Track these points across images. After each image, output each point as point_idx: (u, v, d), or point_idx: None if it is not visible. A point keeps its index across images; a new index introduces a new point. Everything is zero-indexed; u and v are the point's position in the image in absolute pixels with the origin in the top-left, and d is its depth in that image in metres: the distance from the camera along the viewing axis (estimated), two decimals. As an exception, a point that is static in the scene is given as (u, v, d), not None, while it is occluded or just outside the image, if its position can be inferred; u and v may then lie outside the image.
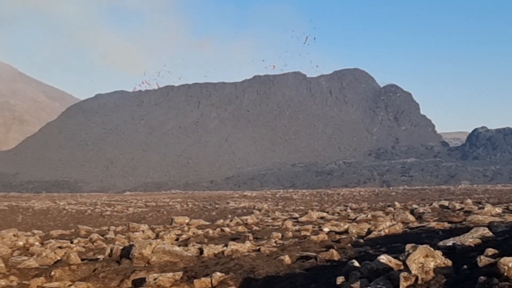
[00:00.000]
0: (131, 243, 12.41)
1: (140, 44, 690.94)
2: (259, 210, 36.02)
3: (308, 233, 14.28)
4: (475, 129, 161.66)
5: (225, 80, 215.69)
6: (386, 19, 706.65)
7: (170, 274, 8.93)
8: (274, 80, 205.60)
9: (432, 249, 6.96)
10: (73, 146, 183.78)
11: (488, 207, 16.21)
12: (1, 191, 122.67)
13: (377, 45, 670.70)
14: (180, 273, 9.08)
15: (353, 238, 12.35)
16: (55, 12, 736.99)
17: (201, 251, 11.06)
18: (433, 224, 13.63)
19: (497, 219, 13.16)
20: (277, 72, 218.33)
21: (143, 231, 18.58)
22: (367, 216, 18.04)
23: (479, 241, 8.46)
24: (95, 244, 15.94)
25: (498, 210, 15.73)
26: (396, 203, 25.81)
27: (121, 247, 11.53)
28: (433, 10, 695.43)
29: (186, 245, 12.18)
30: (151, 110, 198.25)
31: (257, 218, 22.65)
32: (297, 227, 16.29)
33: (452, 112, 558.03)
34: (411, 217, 15.75)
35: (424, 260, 6.71)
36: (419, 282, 6.49)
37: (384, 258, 7.35)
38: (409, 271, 6.60)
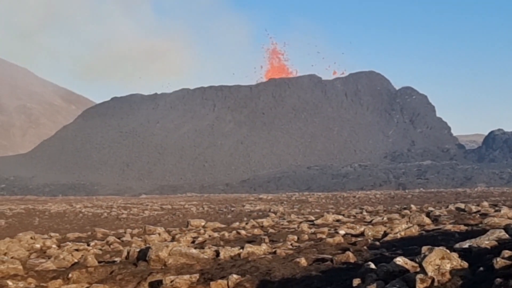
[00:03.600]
0: (148, 245, 12.48)
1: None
2: (275, 213, 36.07)
3: (324, 236, 14.31)
4: (491, 132, 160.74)
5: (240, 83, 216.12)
6: (401, 21, 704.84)
7: (186, 276, 8.98)
8: (289, 82, 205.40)
9: (448, 251, 6.97)
10: (89, 149, 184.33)
11: (504, 210, 16.17)
12: (18, 194, 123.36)
13: (392, 48, 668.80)
14: (197, 275, 9.12)
15: (369, 240, 12.36)
16: (71, 14, 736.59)
17: (217, 253, 11.11)
18: (449, 226, 13.60)
19: (513, 221, 13.11)
20: (292, 75, 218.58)
21: (159, 233, 18.64)
22: (383, 218, 18.02)
23: (496, 243, 8.45)
24: (111, 246, 16.01)
25: (515, 212, 15.66)
26: (412, 205, 25.74)
27: (137, 250, 11.59)
28: (448, 11, 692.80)
29: (203, 248, 12.23)
30: (166, 113, 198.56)
31: (273, 220, 22.65)
32: (313, 230, 16.30)
33: (468, 115, 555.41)
34: (427, 220, 15.71)
35: (440, 262, 6.72)
36: (435, 284, 6.51)
37: (400, 260, 7.36)
38: (425, 273, 6.62)
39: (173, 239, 16.72)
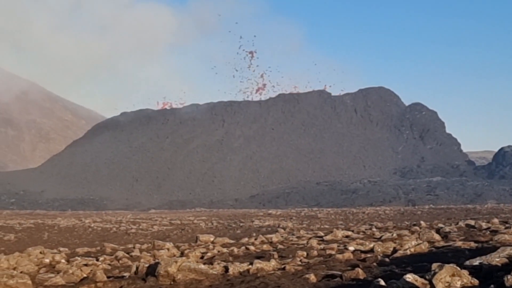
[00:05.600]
0: (157, 260, 12.47)
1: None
2: (284, 228, 35.96)
3: (333, 252, 14.26)
4: (502, 148, 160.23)
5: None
6: (411, 36, 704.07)
7: (195, 292, 8.95)
8: (299, 98, 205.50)
9: (458, 268, 6.94)
10: (98, 164, 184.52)
11: (515, 227, 16.09)
12: (28, 208, 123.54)
13: (402, 63, 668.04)
14: (206, 291, 9.09)
15: (379, 257, 12.31)
16: (80, 30, 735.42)
17: (226, 269, 11.08)
18: (459, 243, 13.55)
19: (524, 238, 13.06)
20: (301, 90, 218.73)
21: (168, 249, 18.63)
22: (392, 235, 17.96)
23: (506, 260, 8.41)
24: (120, 261, 16.01)
25: (525, 229, 15.59)
26: (422, 222, 25.67)
27: (146, 265, 11.59)
28: (457, 28, 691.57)
29: (211, 263, 12.21)
30: (176, 128, 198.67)
31: (282, 236, 22.62)
32: (322, 246, 16.25)
33: (478, 131, 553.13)
34: (437, 236, 15.66)
35: (450, 279, 6.69)
36: (446, 301, 6.47)
37: (410, 277, 7.33)
38: (435, 290, 6.58)
39: (182, 255, 16.70)
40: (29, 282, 10.79)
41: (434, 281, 6.67)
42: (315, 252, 14.48)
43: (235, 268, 11.03)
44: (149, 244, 21.97)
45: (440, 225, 22.41)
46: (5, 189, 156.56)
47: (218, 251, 16.92)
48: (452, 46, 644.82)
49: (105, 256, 17.89)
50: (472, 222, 19.99)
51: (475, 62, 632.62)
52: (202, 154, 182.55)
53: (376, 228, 26.01)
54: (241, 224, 45.42)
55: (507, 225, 18.58)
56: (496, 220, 21.54)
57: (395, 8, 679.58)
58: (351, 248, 14.65)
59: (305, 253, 14.23)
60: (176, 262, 10.72)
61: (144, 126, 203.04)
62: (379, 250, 13.58)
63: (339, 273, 9.88)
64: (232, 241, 21.63)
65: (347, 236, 19.95)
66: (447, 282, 6.63)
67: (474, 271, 7.66)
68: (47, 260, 16.39)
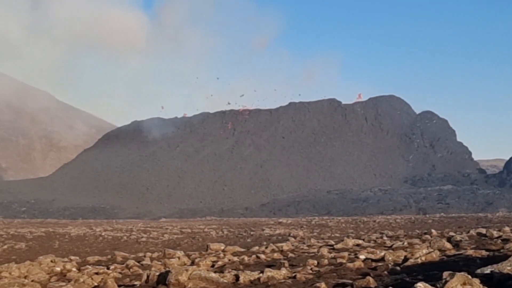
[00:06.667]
0: (167, 269, 12.48)
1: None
2: (295, 237, 35.94)
3: (344, 261, 14.24)
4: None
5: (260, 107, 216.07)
6: (421, 45, 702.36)
7: (206, 301, 8.96)
8: (309, 106, 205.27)
9: (469, 276, 6.92)
10: (109, 172, 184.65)
11: (526, 235, 16.03)
12: (39, 217, 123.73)
13: (412, 72, 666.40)
14: (216, 300, 9.10)
15: (390, 265, 12.29)
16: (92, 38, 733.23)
17: (237, 277, 11.09)
18: (470, 252, 13.51)
19: (536, 247, 13.00)
20: (312, 99, 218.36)
21: (178, 257, 18.63)
22: (403, 243, 17.91)
23: (518, 269, 8.38)
24: (131, 270, 16.02)
25: (537, 238, 15.53)
26: (433, 230, 25.56)
27: (157, 273, 11.61)
28: (467, 34, 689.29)
29: (222, 272, 12.22)
30: (186, 137, 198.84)
31: (293, 245, 22.58)
32: (332, 254, 16.23)
33: (489, 139, 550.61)
34: (448, 245, 15.60)
35: (461, 287, 6.67)
36: (457, 309, 6.45)
37: (421, 286, 7.32)
38: (446, 299, 6.57)
39: (192, 263, 16.72)
40: (41, 290, 10.82)
41: (445, 290, 6.66)
42: (326, 261, 14.46)
43: (246, 276, 11.04)
44: (160, 253, 21.97)
45: (451, 233, 22.34)
46: (16, 197, 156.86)
47: (229, 260, 16.92)
48: (463, 54, 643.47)
49: (116, 264, 17.91)
50: (483, 231, 19.92)
51: (485, 70, 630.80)
52: (212, 163, 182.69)
53: (387, 236, 25.94)
54: (252, 233, 45.43)
55: (518, 234, 18.51)
56: (507, 229, 21.45)
57: (405, 16, 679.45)
58: (362, 257, 14.62)
59: (315, 262, 14.22)
60: (187, 270, 10.73)
61: (155, 135, 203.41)
62: (390, 258, 13.55)
63: (350, 281, 9.87)
64: (242, 250, 21.63)
65: (358, 245, 19.92)
66: (458, 291, 6.62)
67: (485, 280, 7.65)
68: (58, 269, 16.44)
